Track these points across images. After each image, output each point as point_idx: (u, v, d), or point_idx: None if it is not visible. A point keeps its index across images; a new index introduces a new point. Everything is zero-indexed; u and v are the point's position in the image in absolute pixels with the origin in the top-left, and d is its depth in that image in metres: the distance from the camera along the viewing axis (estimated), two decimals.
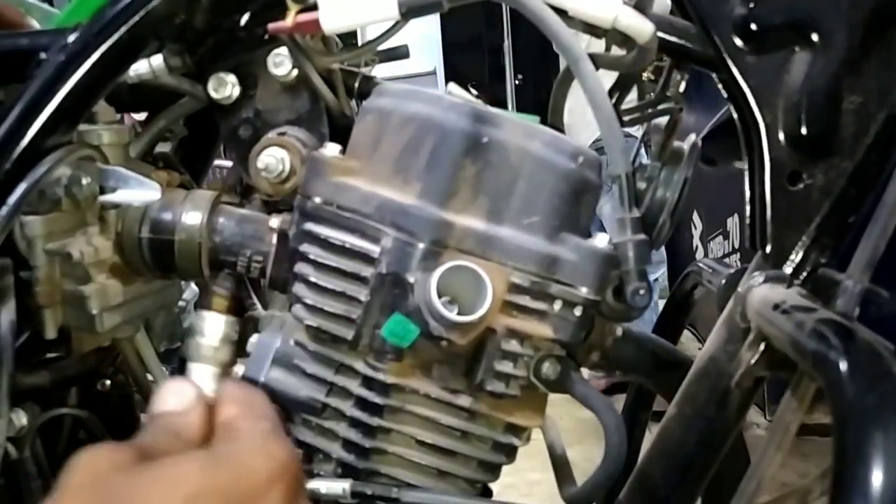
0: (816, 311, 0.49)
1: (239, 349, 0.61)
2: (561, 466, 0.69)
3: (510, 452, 0.61)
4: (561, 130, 0.66)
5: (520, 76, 8.56)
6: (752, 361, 0.61)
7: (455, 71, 8.10)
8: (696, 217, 4.07)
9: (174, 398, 0.45)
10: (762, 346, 0.61)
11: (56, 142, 0.62)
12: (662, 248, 3.89)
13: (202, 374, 0.46)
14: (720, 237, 3.63)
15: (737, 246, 3.32)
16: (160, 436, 0.43)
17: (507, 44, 8.38)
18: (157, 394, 0.46)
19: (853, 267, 0.55)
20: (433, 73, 7.65)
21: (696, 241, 4.09)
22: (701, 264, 0.88)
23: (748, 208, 0.65)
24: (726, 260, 3.30)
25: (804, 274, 0.62)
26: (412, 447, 0.58)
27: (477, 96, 0.66)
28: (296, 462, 0.42)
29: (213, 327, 0.45)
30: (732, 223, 3.45)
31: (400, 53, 0.82)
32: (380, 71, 0.85)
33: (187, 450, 0.42)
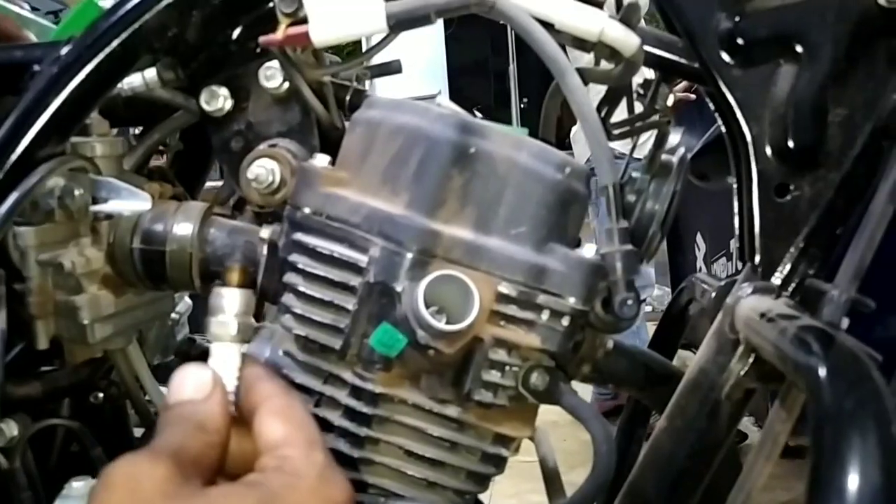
0: (800, 318, 0.50)
1: None
2: (552, 479, 0.68)
3: (499, 463, 0.60)
4: (552, 143, 0.66)
5: (525, 100, 8.62)
6: (742, 373, 0.62)
7: (460, 95, 8.17)
8: (699, 239, 4.07)
9: (190, 385, 0.43)
10: (752, 358, 0.61)
11: (49, 152, 0.62)
12: (651, 271, 3.89)
13: (226, 354, 0.45)
14: (724, 259, 3.63)
15: (741, 267, 3.31)
16: (185, 430, 0.41)
17: (512, 68, 8.45)
18: (173, 381, 0.43)
19: (840, 277, 0.55)
20: (438, 95, 7.69)
21: (700, 263, 4.08)
22: (695, 279, 0.88)
23: (736, 220, 0.65)
24: None
25: (793, 285, 0.62)
26: (400, 457, 0.58)
27: (482, 119, 0.67)
28: (350, 502, 0.41)
29: (230, 302, 0.44)
30: (736, 245, 3.45)
31: (392, 68, 0.83)
32: (384, 93, 0.86)
33: (217, 447, 0.40)
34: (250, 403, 0.44)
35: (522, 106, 8.66)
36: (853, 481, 0.35)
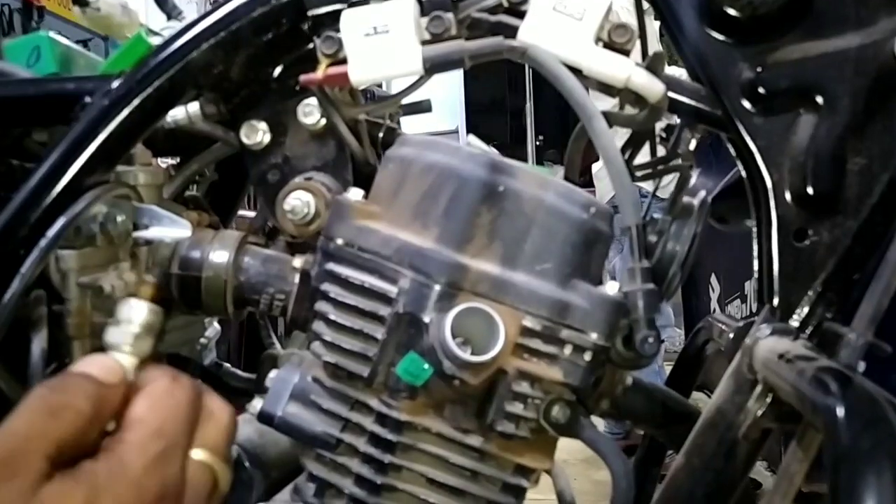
0: (818, 360, 0.51)
1: (257, 385, 0.62)
2: None
3: (519, 494, 0.61)
4: (575, 183, 0.68)
5: (540, 137, 8.69)
6: (760, 413, 0.63)
7: (477, 131, 8.22)
8: (714, 280, 4.06)
9: (98, 368, 0.40)
10: (769, 398, 0.62)
11: (95, 180, 0.65)
12: (670, 311, 3.88)
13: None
14: (738, 300, 3.62)
15: (755, 309, 3.30)
16: (75, 394, 0.38)
17: (529, 106, 8.53)
18: (81, 362, 0.40)
19: (857, 321, 0.57)
20: (455, 131, 7.78)
21: (714, 304, 4.07)
22: (712, 319, 0.90)
23: (756, 263, 0.67)
24: None
25: (810, 328, 0.63)
26: (423, 485, 0.59)
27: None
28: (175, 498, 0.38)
29: (136, 314, 0.42)
30: (750, 287, 3.44)
31: (423, 107, 0.85)
32: (404, 127, 0.89)
33: (93, 436, 0.37)
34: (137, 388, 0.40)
35: (538, 143, 8.72)
36: None
